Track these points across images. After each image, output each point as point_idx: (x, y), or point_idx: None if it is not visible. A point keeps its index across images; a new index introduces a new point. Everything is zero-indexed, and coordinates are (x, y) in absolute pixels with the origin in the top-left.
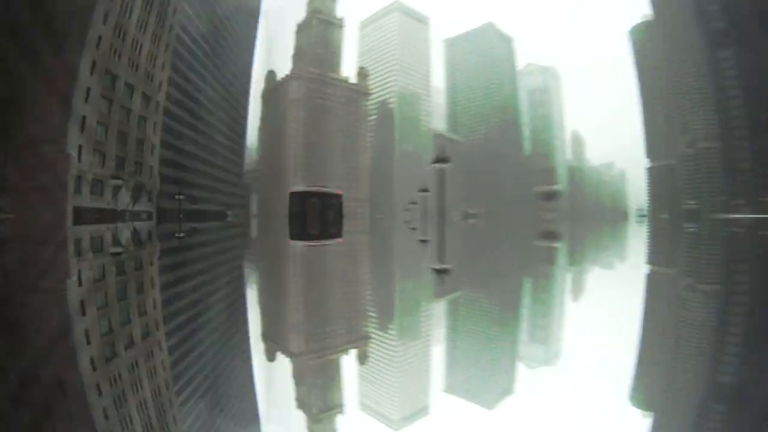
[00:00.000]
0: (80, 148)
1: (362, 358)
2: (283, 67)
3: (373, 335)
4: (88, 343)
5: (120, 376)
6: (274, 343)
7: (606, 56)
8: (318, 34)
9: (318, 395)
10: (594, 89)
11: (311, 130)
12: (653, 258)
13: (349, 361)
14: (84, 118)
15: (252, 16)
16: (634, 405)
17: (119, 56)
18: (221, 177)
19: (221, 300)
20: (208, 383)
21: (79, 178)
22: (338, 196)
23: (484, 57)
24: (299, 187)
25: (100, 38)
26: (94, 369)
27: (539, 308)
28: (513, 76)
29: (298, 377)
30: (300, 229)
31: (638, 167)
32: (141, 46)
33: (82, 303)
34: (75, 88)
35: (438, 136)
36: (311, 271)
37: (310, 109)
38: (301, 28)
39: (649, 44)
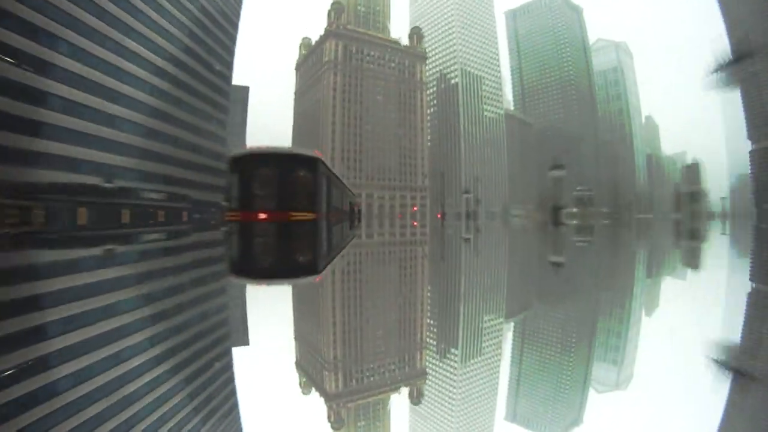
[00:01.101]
0: None
1: (416, 398)
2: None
3: (429, 365)
4: None
5: None
6: (309, 378)
7: (684, 28)
8: None
9: None
10: (669, 67)
11: (353, 100)
12: (760, 272)
13: (399, 399)
14: None
15: None
16: None
17: None
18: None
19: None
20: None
21: None
22: (314, 162)
23: (552, 30)
24: (241, 150)
25: None
26: None
27: (612, 326)
28: (585, 51)
29: (335, 420)
30: (241, 253)
31: (716, 156)
32: None
33: None
34: None
35: (510, 117)
36: (355, 290)
37: (351, 74)
38: None
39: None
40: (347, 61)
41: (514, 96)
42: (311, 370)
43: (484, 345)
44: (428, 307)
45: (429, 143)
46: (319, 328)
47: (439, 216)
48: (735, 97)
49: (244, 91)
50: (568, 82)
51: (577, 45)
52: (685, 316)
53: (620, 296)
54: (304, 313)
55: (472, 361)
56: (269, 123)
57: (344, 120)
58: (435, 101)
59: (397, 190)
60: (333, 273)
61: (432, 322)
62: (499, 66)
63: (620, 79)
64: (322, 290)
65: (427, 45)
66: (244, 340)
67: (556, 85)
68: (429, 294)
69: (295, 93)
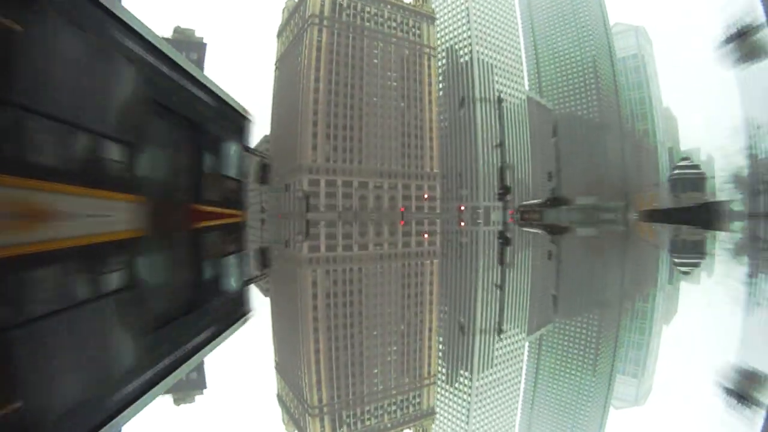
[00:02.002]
0: None
1: None
2: None
3: (438, 396)
4: None
5: None
6: (292, 419)
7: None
8: None
9: None
10: (689, 56)
11: (342, 63)
12: None
13: None
14: None
15: None
16: None
17: None
18: None
19: None
20: None
21: None
22: None
23: (570, 7)
24: None
25: None
26: None
27: (633, 338)
28: (606, 32)
29: None
30: None
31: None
32: None
33: None
34: None
35: (532, 101)
36: (344, 317)
37: (341, 32)
38: None
39: None
40: (336, 17)
41: (529, 78)
42: (294, 410)
43: (501, 366)
44: (439, 330)
45: (439, 123)
46: (300, 365)
47: (461, 222)
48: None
49: (199, 47)
50: (588, 65)
51: (597, 25)
52: (704, 322)
53: (642, 304)
54: (283, 340)
55: (487, 386)
56: (246, 98)
57: (330, 87)
58: (443, 78)
59: (398, 177)
60: (314, 297)
61: (441, 347)
62: (519, 38)
63: (641, 67)
64: (302, 317)
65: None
66: (198, 383)
67: (575, 67)
68: (441, 315)
69: (276, 63)
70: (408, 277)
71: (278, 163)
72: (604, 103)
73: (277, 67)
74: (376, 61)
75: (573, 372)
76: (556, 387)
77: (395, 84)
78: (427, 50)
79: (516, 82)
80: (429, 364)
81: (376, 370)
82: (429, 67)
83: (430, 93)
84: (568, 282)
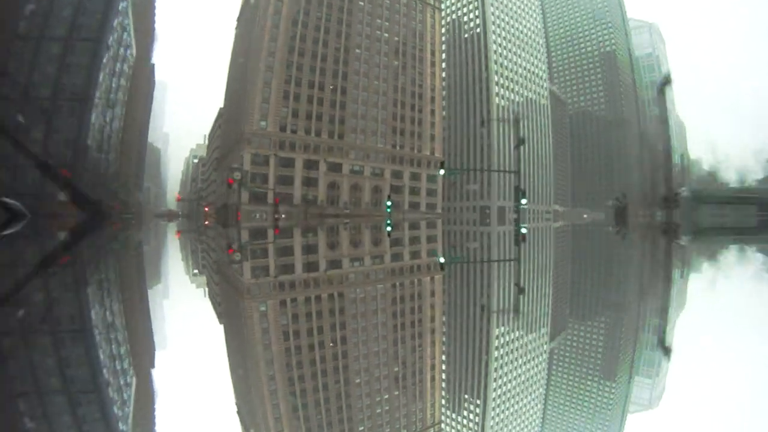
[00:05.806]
0: None
1: None
2: None
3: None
4: None
5: None
6: None
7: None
8: None
9: None
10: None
11: (315, 3)
12: None
13: None
14: None
15: None
16: None
17: None
18: None
19: None
20: None
21: None
22: None
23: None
24: None
25: None
26: None
27: (648, 337)
28: (624, 23)
29: None
30: None
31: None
32: None
33: None
34: None
35: (552, 94)
36: (311, 364)
37: None
38: None
39: None
40: None
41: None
42: None
43: (518, 390)
44: (443, 368)
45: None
46: (260, 425)
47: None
48: None
49: None
50: (603, 58)
51: (614, 15)
52: (712, 314)
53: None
54: (240, 383)
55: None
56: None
57: (296, 29)
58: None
59: (388, 161)
60: (266, 332)
61: (444, 367)
62: (540, 16)
63: (655, 65)
64: (253, 367)
65: None
66: None
67: (591, 62)
68: (444, 346)
69: (237, 19)
70: (402, 302)
71: (225, 144)
72: (620, 98)
73: (237, 24)
74: (362, 3)
75: (588, 377)
76: (570, 393)
77: (386, 35)
78: (426, 18)
79: (538, 56)
80: (433, 409)
81: (362, 427)
82: (433, 18)
83: (432, 53)
84: (588, 286)
